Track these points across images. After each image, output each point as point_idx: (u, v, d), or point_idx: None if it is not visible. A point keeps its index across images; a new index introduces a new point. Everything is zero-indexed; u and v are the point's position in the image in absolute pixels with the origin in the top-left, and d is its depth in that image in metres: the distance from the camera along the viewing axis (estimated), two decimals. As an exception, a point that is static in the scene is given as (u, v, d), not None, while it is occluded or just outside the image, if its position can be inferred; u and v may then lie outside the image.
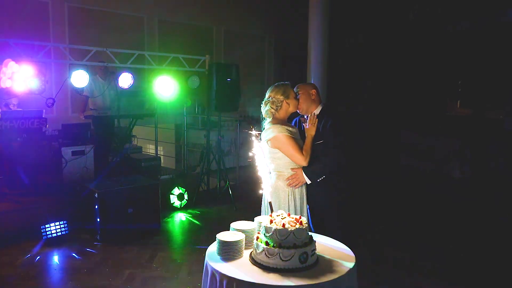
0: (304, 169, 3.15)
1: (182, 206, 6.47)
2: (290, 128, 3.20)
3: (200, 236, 5.41)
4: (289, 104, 3.22)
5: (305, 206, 3.23)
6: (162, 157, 8.13)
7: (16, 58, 5.08)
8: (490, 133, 9.09)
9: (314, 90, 3.36)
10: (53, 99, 5.41)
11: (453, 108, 11.14)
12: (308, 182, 3.17)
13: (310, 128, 3.22)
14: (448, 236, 5.50)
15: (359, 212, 6.00)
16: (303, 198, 3.22)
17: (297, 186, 3.17)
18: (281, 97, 3.20)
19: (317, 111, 3.33)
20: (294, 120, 3.50)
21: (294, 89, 3.34)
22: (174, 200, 6.42)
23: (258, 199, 3.37)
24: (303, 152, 3.13)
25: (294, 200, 3.17)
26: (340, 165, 3.23)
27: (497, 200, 6.93)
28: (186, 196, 6.52)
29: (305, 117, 3.37)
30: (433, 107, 10.98)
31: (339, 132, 3.22)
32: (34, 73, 5.06)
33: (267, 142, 3.16)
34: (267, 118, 3.25)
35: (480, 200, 7.02)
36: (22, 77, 4.99)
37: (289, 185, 3.15)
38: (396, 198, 7.25)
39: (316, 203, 3.30)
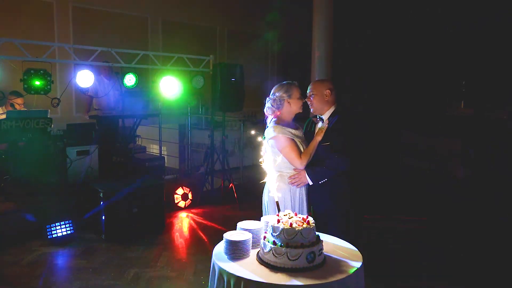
0: (307, 170, 3.14)
1: (186, 206, 6.49)
2: (293, 130, 3.18)
3: (205, 235, 5.42)
4: (290, 104, 3.19)
5: (305, 208, 3.21)
6: (166, 157, 8.14)
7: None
8: (492, 133, 9.07)
9: (328, 90, 3.25)
10: (58, 99, 5.44)
11: (456, 108, 11.13)
12: (310, 183, 3.15)
13: (318, 134, 3.16)
14: (448, 236, 5.50)
15: (359, 213, 6.00)
16: (302, 199, 3.21)
17: (299, 186, 3.16)
18: (283, 96, 3.18)
19: (329, 112, 3.27)
20: (308, 120, 3.47)
21: (308, 88, 3.30)
22: (178, 199, 6.43)
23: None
24: (302, 156, 3.11)
25: (293, 201, 3.16)
26: (345, 169, 3.18)
27: (497, 200, 6.91)
28: (190, 196, 6.53)
29: (317, 117, 3.33)
30: (434, 107, 10.98)
31: (346, 136, 3.16)
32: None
33: (268, 141, 3.16)
34: (270, 116, 3.25)
35: (480, 200, 7.00)
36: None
37: (291, 184, 3.14)
38: (396, 198, 7.23)
39: (318, 206, 3.27)
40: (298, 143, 3.18)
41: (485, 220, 6.09)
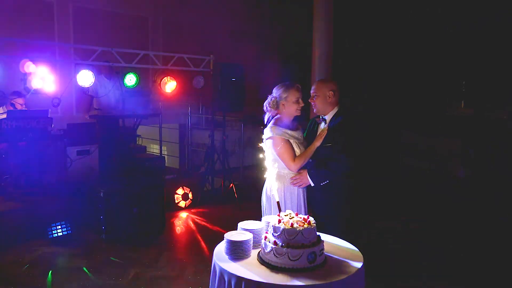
0: (310, 171, 3.13)
1: (186, 206, 6.49)
2: (291, 132, 3.17)
3: (205, 235, 5.41)
4: (285, 107, 3.17)
5: (304, 208, 3.21)
6: (166, 157, 8.14)
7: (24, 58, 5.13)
8: (492, 133, 9.08)
9: (331, 92, 3.22)
10: (59, 98, 5.44)
11: (456, 108, 11.13)
12: (312, 184, 3.15)
13: (317, 139, 3.15)
14: (448, 236, 5.50)
15: (359, 213, 6.01)
16: (300, 199, 3.20)
17: (300, 186, 3.16)
18: (280, 97, 3.17)
19: (332, 113, 3.26)
20: (311, 120, 3.45)
21: (312, 88, 3.29)
22: (178, 199, 6.43)
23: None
24: (296, 159, 3.09)
25: (291, 201, 3.16)
26: (348, 171, 3.17)
27: (497, 200, 6.92)
28: (190, 196, 6.53)
29: (321, 117, 3.31)
30: (434, 107, 10.98)
31: (347, 137, 3.15)
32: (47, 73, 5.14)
33: (265, 141, 3.17)
34: (267, 114, 3.26)
35: (480, 200, 7.01)
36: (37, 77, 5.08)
37: (292, 184, 3.15)
38: (396, 198, 7.23)
39: (318, 206, 3.26)
40: (295, 144, 3.16)
41: (485, 220, 6.09)
